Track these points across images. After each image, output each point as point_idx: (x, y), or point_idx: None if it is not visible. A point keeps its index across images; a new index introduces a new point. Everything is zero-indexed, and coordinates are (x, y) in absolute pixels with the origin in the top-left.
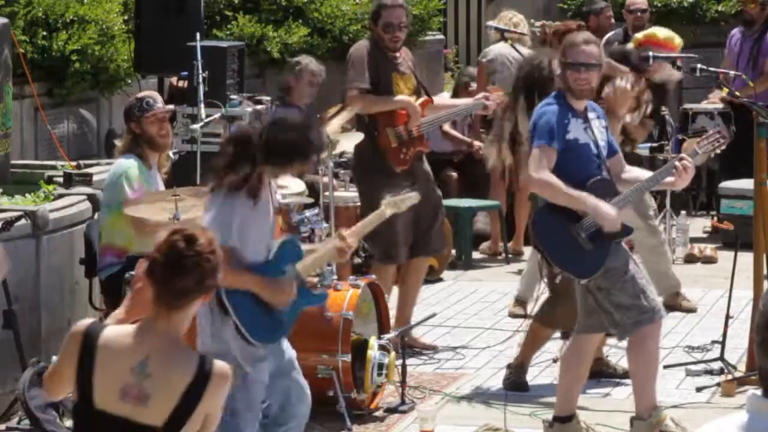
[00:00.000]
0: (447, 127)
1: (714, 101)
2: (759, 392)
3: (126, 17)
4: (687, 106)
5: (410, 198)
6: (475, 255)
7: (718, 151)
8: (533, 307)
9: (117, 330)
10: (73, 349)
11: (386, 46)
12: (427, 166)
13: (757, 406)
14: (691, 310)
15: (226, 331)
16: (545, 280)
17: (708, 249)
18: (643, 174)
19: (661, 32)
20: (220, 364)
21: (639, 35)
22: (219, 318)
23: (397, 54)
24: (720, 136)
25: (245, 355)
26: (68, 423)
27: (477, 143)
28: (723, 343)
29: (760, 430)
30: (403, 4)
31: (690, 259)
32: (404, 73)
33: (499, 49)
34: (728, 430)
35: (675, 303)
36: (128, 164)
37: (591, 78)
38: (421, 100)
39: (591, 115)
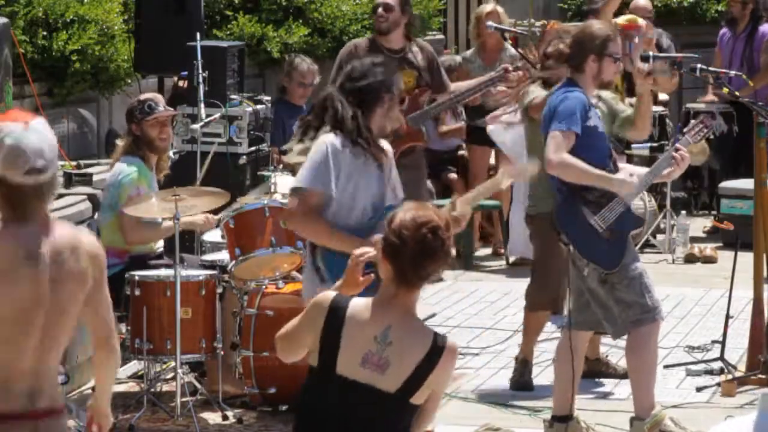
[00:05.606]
0: (444, 127)
1: (707, 100)
2: None
3: (126, 17)
4: (688, 105)
5: (531, 166)
6: (475, 254)
7: (710, 136)
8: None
9: (360, 302)
10: (317, 319)
11: (376, 29)
12: (418, 169)
13: None
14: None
15: None
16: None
17: (708, 249)
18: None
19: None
20: (451, 341)
21: (621, 20)
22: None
23: (399, 47)
24: (703, 125)
25: None
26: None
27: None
28: (723, 343)
29: None
30: None
31: (690, 258)
32: (403, 68)
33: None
34: (740, 429)
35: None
36: (132, 167)
37: None
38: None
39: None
